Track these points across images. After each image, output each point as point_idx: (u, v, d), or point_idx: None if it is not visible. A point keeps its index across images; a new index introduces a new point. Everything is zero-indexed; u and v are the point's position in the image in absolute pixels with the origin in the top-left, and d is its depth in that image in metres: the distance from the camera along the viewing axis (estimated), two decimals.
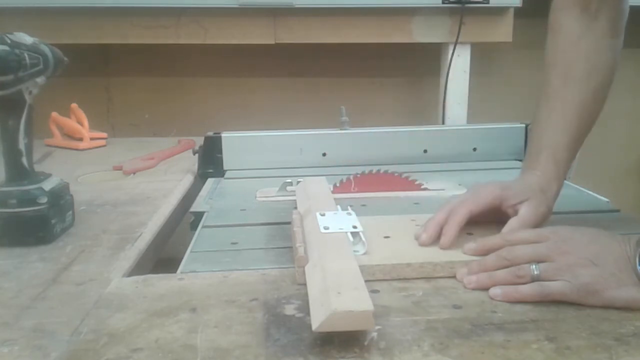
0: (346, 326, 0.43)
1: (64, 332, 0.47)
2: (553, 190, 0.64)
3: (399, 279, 0.55)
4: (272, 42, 1.39)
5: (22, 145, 0.67)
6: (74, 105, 1.29)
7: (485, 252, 0.57)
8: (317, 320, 0.43)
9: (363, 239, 0.59)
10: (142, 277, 0.58)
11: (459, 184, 0.90)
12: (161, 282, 0.56)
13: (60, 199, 0.70)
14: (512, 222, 0.61)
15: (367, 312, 0.43)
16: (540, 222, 0.61)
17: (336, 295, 0.45)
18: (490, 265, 0.55)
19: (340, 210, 0.65)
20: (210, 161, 1.04)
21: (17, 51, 0.62)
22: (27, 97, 0.66)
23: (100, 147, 1.28)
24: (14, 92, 0.64)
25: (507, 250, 0.55)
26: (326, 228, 0.60)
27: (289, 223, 0.70)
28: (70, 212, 0.73)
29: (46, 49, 0.68)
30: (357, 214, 0.66)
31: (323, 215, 0.63)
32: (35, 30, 0.69)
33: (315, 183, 0.72)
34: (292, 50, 1.48)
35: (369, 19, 1.39)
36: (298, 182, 0.84)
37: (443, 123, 1.44)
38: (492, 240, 0.58)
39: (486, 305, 0.50)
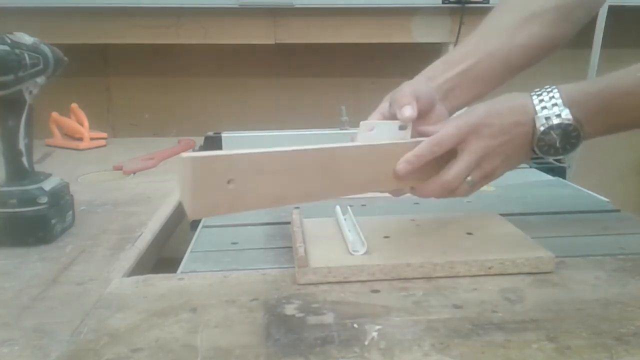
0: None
1: (64, 332, 0.47)
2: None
3: (399, 279, 0.55)
4: (272, 42, 1.40)
5: (22, 145, 0.67)
6: (74, 105, 1.30)
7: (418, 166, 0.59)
8: None
9: (363, 239, 0.59)
10: (142, 277, 0.58)
11: None
12: (161, 282, 0.56)
13: (61, 199, 0.70)
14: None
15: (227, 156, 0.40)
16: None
17: None
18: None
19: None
20: None
21: (17, 51, 0.62)
22: (27, 97, 0.66)
23: (100, 147, 1.28)
24: (14, 92, 0.64)
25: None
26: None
27: (289, 223, 0.70)
28: (71, 212, 0.73)
29: (46, 49, 0.68)
30: (357, 214, 0.66)
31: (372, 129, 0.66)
32: (35, 30, 0.69)
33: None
34: (292, 50, 1.48)
35: (369, 19, 1.39)
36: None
37: None
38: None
39: (486, 305, 0.50)
